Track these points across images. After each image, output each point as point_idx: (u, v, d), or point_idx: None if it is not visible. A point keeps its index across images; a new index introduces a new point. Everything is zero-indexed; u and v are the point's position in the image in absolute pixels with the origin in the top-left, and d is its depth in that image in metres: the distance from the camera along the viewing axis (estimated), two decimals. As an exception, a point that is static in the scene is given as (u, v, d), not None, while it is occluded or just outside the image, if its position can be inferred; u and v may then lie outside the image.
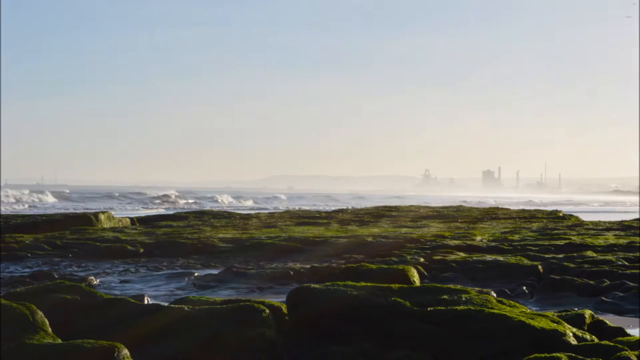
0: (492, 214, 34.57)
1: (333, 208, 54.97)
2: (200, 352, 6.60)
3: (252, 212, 45.56)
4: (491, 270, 12.83)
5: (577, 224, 25.64)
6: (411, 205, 49.89)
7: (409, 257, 14.45)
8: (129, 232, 22.28)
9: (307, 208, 60.18)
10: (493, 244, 16.96)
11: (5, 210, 54.22)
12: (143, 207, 67.20)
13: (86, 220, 26.03)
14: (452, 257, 14.32)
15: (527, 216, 32.16)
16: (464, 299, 7.23)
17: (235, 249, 17.68)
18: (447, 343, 6.67)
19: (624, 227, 23.14)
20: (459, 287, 7.69)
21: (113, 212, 30.64)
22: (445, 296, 7.28)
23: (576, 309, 7.83)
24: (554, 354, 6.14)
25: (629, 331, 7.42)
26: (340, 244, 17.75)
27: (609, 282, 11.53)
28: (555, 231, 21.11)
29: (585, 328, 7.24)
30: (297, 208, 60.98)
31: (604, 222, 26.84)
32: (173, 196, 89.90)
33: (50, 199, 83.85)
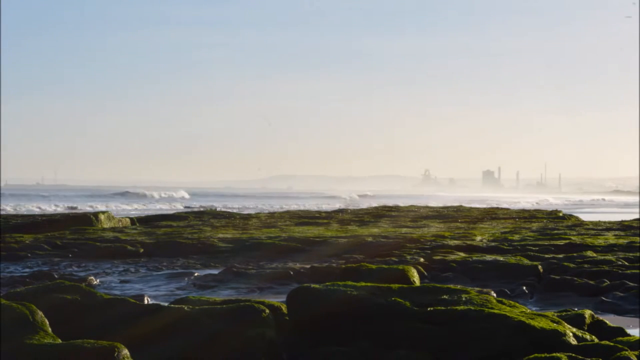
0: (492, 214, 34.57)
1: (333, 208, 54.96)
2: (200, 352, 6.61)
3: (252, 212, 45.57)
4: (491, 270, 12.82)
5: (577, 224, 25.64)
6: (411, 205, 49.88)
7: (409, 257, 14.45)
8: (129, 232, 22.28)
9: (307, 208, 60.18)
10: (493, 244, 16.95)
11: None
12: (143, 207, 67.19)
13: (86, 220, 26.03)
14: (452, 257, 14.32)
15: (527, 216, 32.16)
16: (464, 299, 7.23)
17: (235, 249, 17.68)
18: (447, 343, 6.68)
19: (624, 227, 23.13)
20: (459, 287, 7.68)
21: (113, 212, 30.64)
22: (445, 296, 7.28)
23: (576, 309, 7.83)
24: (554, 354, 6.14)
25: (629, 331, 7.42)
26: (340, 244, 17.75)
27: (609, 282, 11.53)
28: (555, 231, 21.11)
29: (585, 328, 7.24)
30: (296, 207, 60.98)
31: (604, 222, 26.84)
32: (173, 196, 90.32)
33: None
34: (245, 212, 46.67)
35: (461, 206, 45.95)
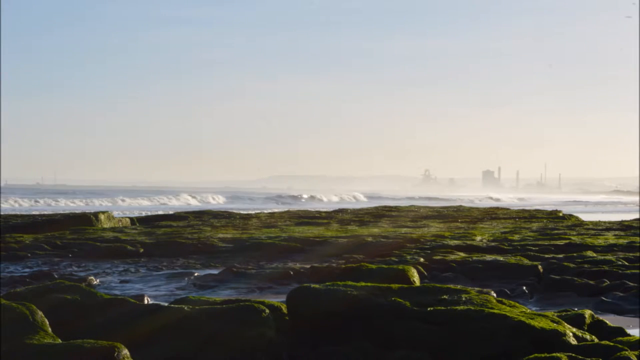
0: (492, 214, 34.56)
1: (333, 208, 54.92)
2: (200, 352, 6.61)
3: (252, 212, 45.55)
4: (491, 270, 12.83)
5: (577, 224, 25.64)
6: (411, 205, 49.88)
7: (409, 257, 14.45)
8: (129, 232, 22.29)
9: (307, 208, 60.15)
10: (493, 244, 16.96)
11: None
12: (143, 207, 67.22)
13: (86, 220, 26.03)
14: (452, 257, 14.32)
15: (527, 216, 32.16)
16: (464, 299, 7.23)
17: (235, 249, 17.69)
18: (447, 343, 6.68)
19: (624, 227, 23.14)
20: (459, 287, 7.69)
21: (113, 212, 30.64)
22: (445, 296, 7.28)
23: (576, 309, 7.83)
24: (554, 354, 6.14)
25: (629, 331, 7.42)
26: (340, 244, 17.76)
27: (609, 282, 11.54)
28: (555, 231, 21.11)
29: (585, 328, 7.24)
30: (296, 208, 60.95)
31: (604, 222, 26.84)
32: (173, 196, 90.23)
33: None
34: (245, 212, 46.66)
35: (461, 206, 45.96)
